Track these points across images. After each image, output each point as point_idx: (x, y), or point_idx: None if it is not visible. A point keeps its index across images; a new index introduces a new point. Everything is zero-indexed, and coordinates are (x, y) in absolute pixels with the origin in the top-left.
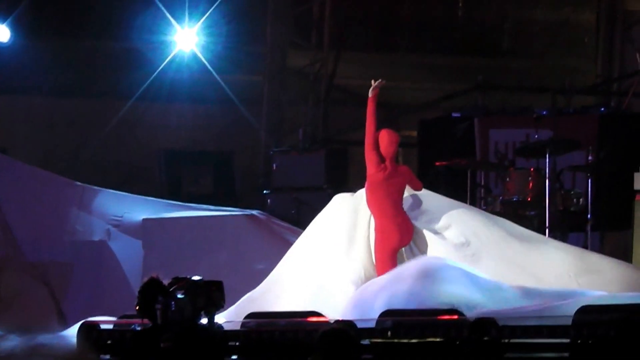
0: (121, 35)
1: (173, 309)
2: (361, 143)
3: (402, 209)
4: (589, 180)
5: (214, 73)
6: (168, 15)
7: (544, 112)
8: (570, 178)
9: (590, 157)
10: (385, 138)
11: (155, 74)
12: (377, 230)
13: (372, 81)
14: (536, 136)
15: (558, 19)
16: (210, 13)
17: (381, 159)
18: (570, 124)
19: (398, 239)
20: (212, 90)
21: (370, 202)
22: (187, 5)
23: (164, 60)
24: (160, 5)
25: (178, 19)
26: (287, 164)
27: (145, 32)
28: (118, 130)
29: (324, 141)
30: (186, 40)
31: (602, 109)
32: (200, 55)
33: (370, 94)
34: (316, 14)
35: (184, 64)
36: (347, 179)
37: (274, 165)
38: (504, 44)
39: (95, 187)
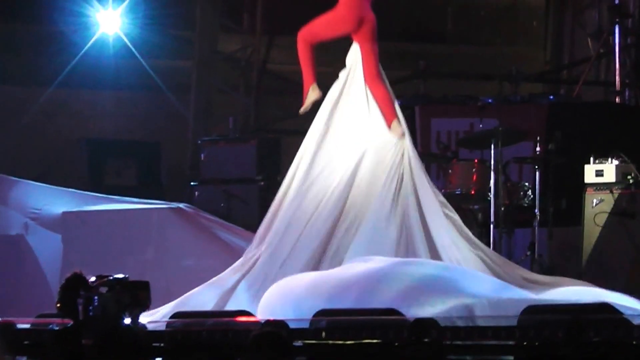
0: (40, 16)
1: (96, 304)
2: (294, 132)
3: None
4: (537, 173)
5: (139, 58)
6: None
7: (490, 101)
8: (516, 170)
9: (538, 149)
10: None
11: (77, 58)
12: None
13: None
14: (481, 126)
15: (504, 3)
16: None
17: None
18: (517, 113)
19: (357, 17)
20: (137, 76)
21: None
22: None
23: (86, 45)
24: None
25: None
26: (217, 155)
27: (65, 14)
28: (37, 119)
29: (255, 131)
30: (110, 22)
31: (551, 97)
32: (124, 38)
33: None
34: None
35: (108, 48)
36: (280, 171)
37: (202, 156)
38: (447, 28)
39: (13, 178)
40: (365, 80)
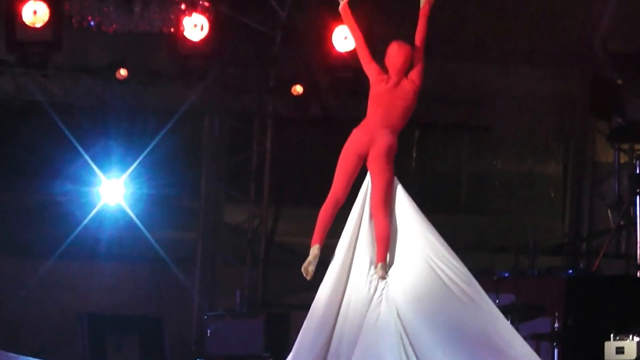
0: (39, 186)
1: None
2: (303, 307)
3: (397, 129)
4: (555, 350)
5: (142, 229)
6: (92, 164)
7: (506, 274)
8: (534, 347)
9: (556, 325)
10: (393, 49)
11: (77, 230)
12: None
13: None
14: (497, 301)
15: (520, 172)
16: (138, 163)
17: (384, 70)
18: (535, 288)
19: (367, 140)
20: (139, 247)
21: (371, 115)
22: (113, 153)
23: (87, 215)
24: (84, 153)
25: (103, 168)
26: (223, 330)
27: (66, 183)
28: (34, 292)
29: (263, 305)
30: (112, 192)
31: (570, 271)
32: (127, 209)
33: (341, 5)
34: (255, 165)
35: (109, 218)
36: (289, 347)
37: (208, 331)
38: (460, 198)
39: (11, 354)
40: (370, 208)
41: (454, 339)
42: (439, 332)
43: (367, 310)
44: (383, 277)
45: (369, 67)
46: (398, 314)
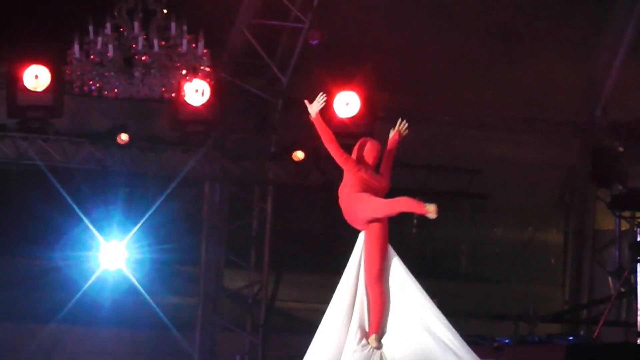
0: (39, 251)
1: None
2: None
3: None
4: None
5: (143, 293)
6: (92, 229)
7: (506, 341)
8: None
9: None
10: (367, 146)
11: (78, 295)
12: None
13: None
14: None
15: (520, 239)
16: (139, 227)
17: (359, 160)
18: (535, 355)
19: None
20: (140, 313)
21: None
22: (113, 218)
23: (88, 280)
24: (84, 218)
25: (103, 233)
26: None
27: (66, 248)
28: (33, 357)
29: None
30: (112, 257)
31: (570, 338)
32: (127, 273)
33: (313, 115)
34: (255, 231)
35: (110, 283)
36: None
37: None
38: (460, 265)
39: None
40: (366, 278)
41: None
42: None
43: None
44: (378, 348)
45: (347, 163)
46: None
